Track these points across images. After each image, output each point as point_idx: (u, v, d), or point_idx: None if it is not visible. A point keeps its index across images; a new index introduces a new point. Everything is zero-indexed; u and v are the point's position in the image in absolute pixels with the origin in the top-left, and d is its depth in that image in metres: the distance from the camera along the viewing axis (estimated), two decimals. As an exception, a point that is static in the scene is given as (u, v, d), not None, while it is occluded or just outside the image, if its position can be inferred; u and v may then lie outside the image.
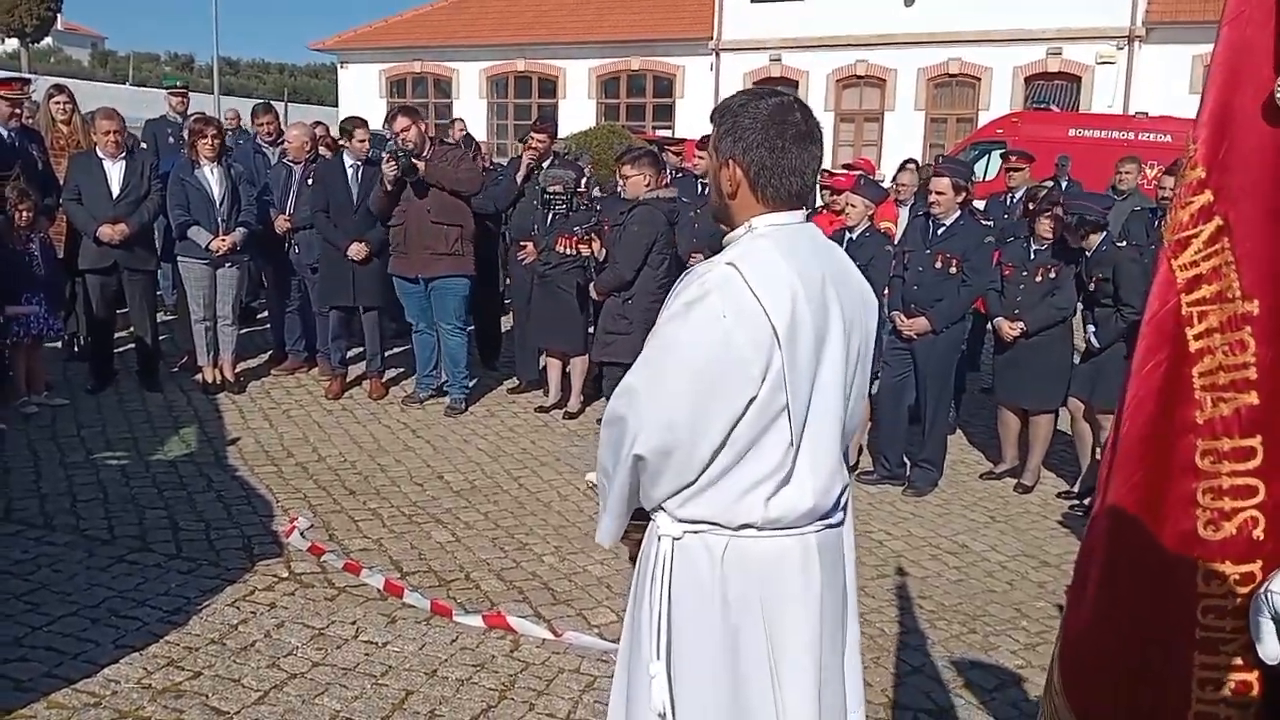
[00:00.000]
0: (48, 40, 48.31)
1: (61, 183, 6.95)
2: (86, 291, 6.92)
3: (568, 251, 6.91)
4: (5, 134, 6.89)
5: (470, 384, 7.26)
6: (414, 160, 6.53)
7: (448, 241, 6.69)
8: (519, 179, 7.33)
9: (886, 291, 5.95)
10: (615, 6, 25.99)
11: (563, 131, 20.99)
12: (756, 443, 1.91)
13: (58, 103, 7.84)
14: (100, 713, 3.31)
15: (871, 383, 6.26)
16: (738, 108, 2.02)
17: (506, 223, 7.76)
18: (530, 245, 7.24)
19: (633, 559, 2.19)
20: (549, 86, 26.69)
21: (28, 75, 13.39)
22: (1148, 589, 1.90)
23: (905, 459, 6.14)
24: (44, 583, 4.18)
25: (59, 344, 7.50)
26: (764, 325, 1.86)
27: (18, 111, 7.10)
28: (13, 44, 44.71)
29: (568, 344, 7.16)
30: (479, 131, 18.27)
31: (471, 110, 26.49)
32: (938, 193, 5.85)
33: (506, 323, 8.79)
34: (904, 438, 6.12)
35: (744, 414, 1.88)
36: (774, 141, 1.97)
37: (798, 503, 1.96)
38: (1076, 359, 6.26)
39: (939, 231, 5.91)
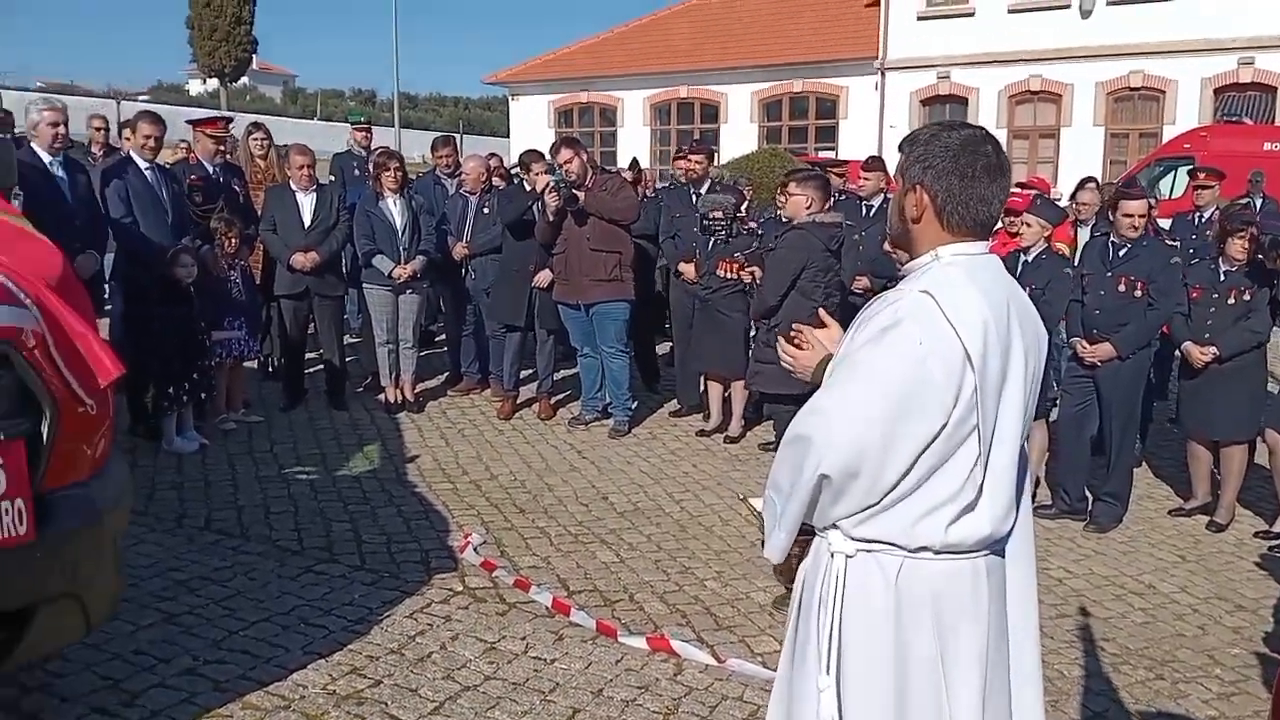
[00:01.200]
0: (244, 79, 51.82)
1: (259, 214, 7.46)
2: (281, 316, 7.40)
3: (728, 276, 6.95)
4: (211, 170, 7.44)
5: (633, 406, 7.36)
6: (575, 191, 6.71)
7: (606, 268, 6.84)
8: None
9: (1064, 317, 5.72)
10: (777, 30, 25.92)
11: (725, 156, 21.09)
12: (940, 469, 1.93)
13: (256, 139, 8.42)
14: (289, 715, 3.50)
15: (1050, 410, 6.06)
16: (928, 137, 2.05)
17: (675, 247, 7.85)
18: (692, 264, 7.30)
19: (779, 572, 2.21)
20: (711, 111, 26.87)
21: (229, 114, 14.44)
22: None
23: (1087, 492, 5.86)
24: (240, 589, 4.45)
25: (255, 364, 8.02)
26: (958, 353, 1.88)
27: (221, 149, 7.65)
28: (213, 84, 48.20)
29: (728, 368, 7.16)
30: (644, 158, 18.56)
31: (635, 137, 26.95)
32: (1139, 215, 5.58)
33: (662, 347, 8.88)
34: (1086, 470, 5.85)
35: (933, 441, 1.90)
36: (964, 169, 1.99)
37: (976, 529, 1.98)
38: (1273, 388, 5.86)
39: (1121, 253, 5.64)
